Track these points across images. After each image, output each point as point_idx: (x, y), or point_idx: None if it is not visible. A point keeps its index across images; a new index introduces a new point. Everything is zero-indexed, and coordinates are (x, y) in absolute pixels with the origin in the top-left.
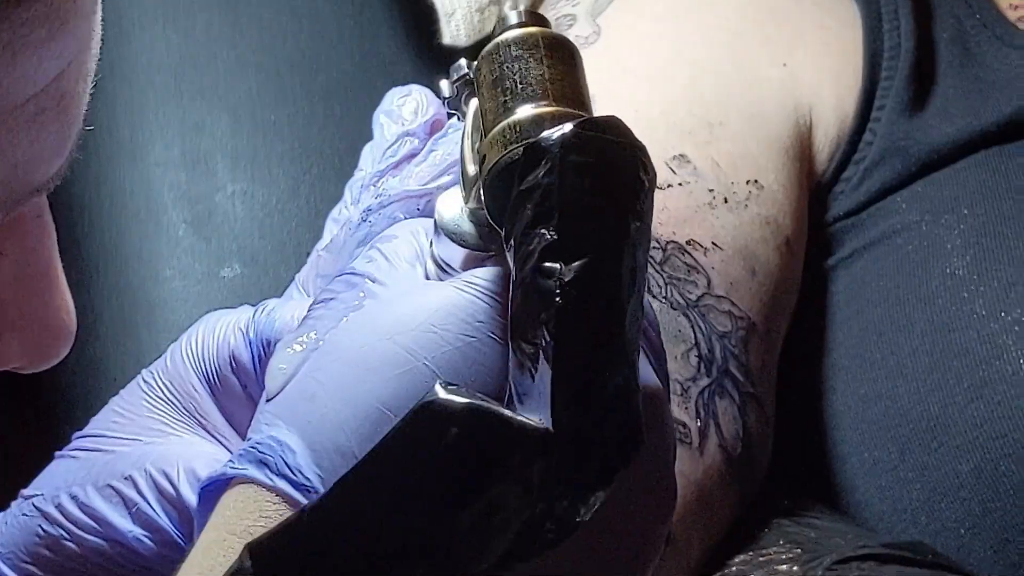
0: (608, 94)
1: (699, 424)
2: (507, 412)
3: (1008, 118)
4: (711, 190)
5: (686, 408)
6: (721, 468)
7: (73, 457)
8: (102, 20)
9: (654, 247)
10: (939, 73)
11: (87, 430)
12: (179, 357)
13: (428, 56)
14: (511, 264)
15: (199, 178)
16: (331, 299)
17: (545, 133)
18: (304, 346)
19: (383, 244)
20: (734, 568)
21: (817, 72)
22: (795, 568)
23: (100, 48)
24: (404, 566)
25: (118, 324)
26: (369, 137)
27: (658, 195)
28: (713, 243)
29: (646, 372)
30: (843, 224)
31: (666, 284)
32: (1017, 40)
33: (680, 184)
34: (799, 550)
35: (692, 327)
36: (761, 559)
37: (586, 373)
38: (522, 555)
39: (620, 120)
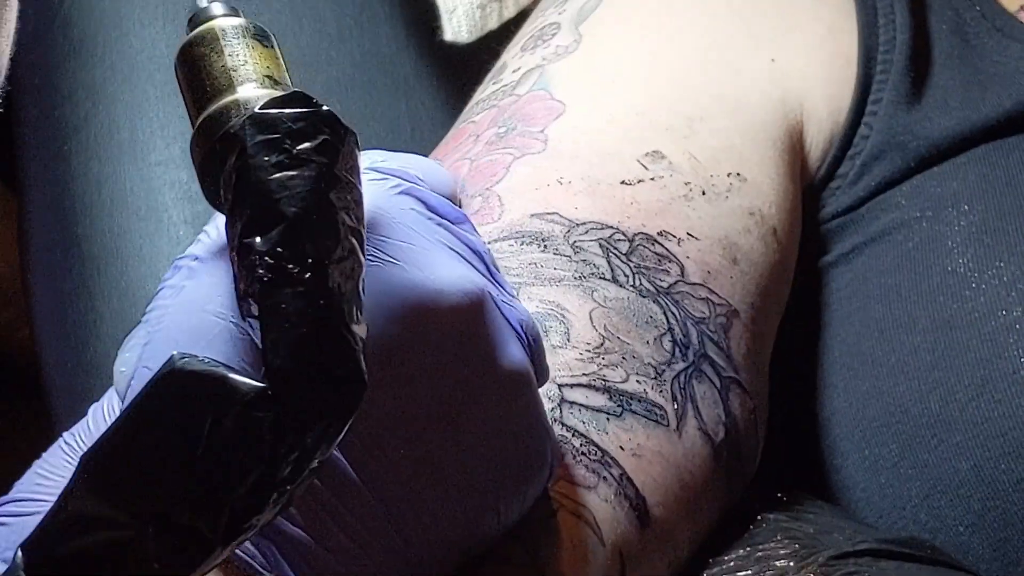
0: (583, 102)
1: (675, 407)
2: (228, 374)
3: (1008, 112)
4: (687, 183)
5: (661, 391)
6: (703, 452)
7: (3, 524)
8: (101, 18)
9: (620, 239)
10: (937, 65)
11: (11, 495)
12: (101, 418)
13: (429, 55)
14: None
15: None
16: (161, 288)
17: (232, 122)
18: (139, 345)
19: (211, 222)
20: (731, 563)
21: (809, 67)
22: (791, 564)
23: (100, 46)
24: (163, 522)
25: (118, 324)
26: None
27: (628, 190)
28: (688, 234)
29: (512, 351)
30: (842, 220)
31: (633, 273)
32: (1017, 32)
33: (652, 179)
34: (796, 545)
35: (664, 313)
36: (758, 554)
37: (294, 334)
38: (262, 508)
39: (303, 92)
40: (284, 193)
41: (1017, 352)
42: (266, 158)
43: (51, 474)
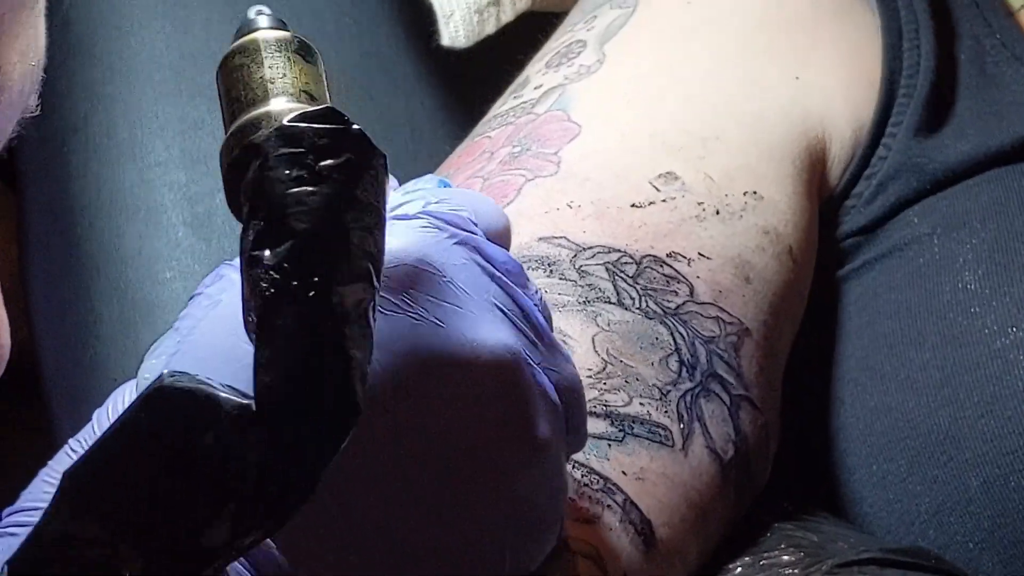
0: (598, 124)
1: (681, 426)
2: (215, 391)
3: (1023, 138)
4: (700, 203)
5: (666, 412)
6: (711, 470)
7: (12, 535)
8: (101, 18)
9: (627, 262)
10: (957, 93)
11: (19, 504)
12: (106, 422)
13: (428, 56)
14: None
15: (199, 178)
16: (199, 294)
17: (259, 133)
18: (166, 354)
19: None
20: (737, 571)
21: (832, 85)
22: (796, 571)
23: (99, 46)
24: (144, 542)
25: (118, 325)
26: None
27: (637, 213)
28: (699, 254)
29: (495, 335)
30: (856, 240)
31: (640, 296)
32: None
33: (664, 200)
34: (801, 553)
35: (671, 333)
36: (762, 562)
37: (288, 352)
38: (246, 530)
39: (335, 108)
40: (298, 208)
41: None
42: (286, 171)
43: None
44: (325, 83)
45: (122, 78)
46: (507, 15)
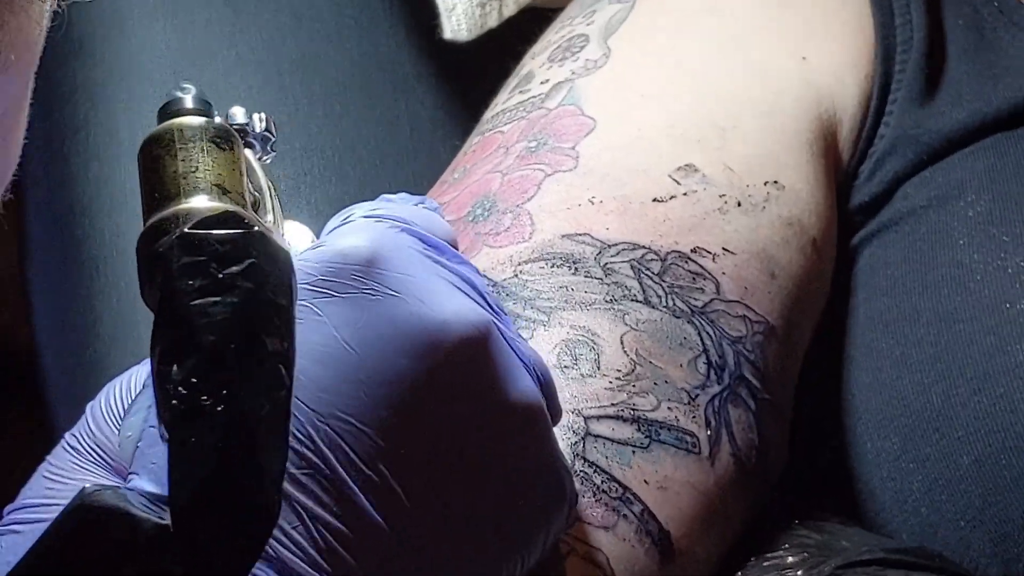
0: (613, 119)
1: (709, 433)
2: (133, 511)
3: (1019, 102)
4: (722, 195)
5: (694, 417)
6: (734, 479)
7: (16, 532)
8: (101, 18)
9: (652, 259)
10: (952, 60)
11: (20, 502)
12: (100, 417)
13: (428, 55)
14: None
15: None
16: None
17: (161, 241)
18: (143, 409)
19: None
20: (739, 572)
21: (839, 64)
22: (800, 572)
23: (99, 46)
24: None
25: (118, 324)
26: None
27: (660, 207)
28: (724, 248)
29: (524, 384)
30: (859, 219)
31: (667, 294)
32: None
33: (685, 194)
34: (805, 554)
35: (698, 333)
36: (766, 563)
37: (199, 469)
38: None
39: (234, 212)
40: (203, 320)
41: (1019, 346)
42: (190, 282)
43: (59, 478)
44: (242, 170)
45: (122, 78)
46: (509, 8)
